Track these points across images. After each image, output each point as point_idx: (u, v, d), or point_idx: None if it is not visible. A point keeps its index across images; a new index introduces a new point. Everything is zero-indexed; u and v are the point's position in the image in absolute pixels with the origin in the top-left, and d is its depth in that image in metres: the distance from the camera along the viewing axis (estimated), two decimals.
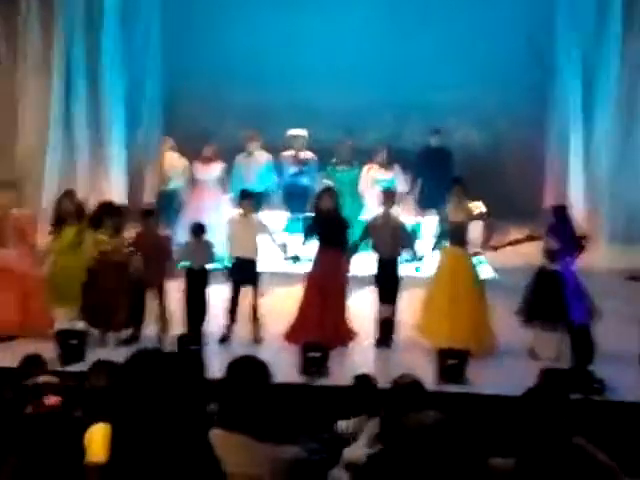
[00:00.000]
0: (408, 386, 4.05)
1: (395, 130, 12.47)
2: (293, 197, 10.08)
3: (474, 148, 12.16)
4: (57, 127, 10.60)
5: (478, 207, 11.31)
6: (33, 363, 4.92)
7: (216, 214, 9.98)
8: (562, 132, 10.94)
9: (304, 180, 10.09)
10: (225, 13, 12.02)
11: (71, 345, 6.75)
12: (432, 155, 10.35)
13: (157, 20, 11.67)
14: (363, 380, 5.32)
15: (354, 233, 8.08)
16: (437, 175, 10.08)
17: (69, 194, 7.92)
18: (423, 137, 10.76)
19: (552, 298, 6.99)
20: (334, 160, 10.28)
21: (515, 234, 9.75)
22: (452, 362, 6.49)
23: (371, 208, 9.69)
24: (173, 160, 10.41)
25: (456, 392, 6.29)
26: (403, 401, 3.87)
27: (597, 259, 9.80)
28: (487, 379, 6.63)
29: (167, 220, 10.20)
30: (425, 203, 10.27)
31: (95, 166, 10.99)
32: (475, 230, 10.66)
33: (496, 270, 9.74)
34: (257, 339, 7.52)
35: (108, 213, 7.51)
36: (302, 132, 10.20)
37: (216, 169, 10.22)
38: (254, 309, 7.61)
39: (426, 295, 7.47)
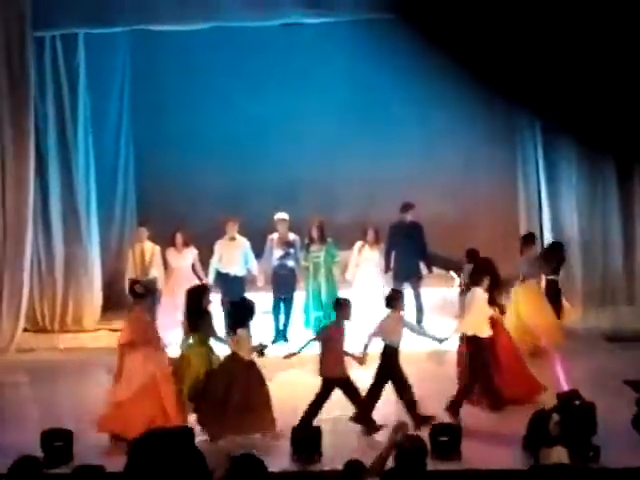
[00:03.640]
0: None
1: (365, 206, 12.64)
2: (280, 279, 10.21)
3: (444, 220, 12.30)
4: (34, 225, 10.71)
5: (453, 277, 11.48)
6: (25, 466, 4.76)
7: None
8: (531, 201, 11.23)
9: (290, 262, 10.24)
10: (196, 98, 12.25)
11: (56, 447, 6.57)
12: (405, 230, 10.42)
13: (128, 109, 11.93)
14: (354, 466, 5.22)
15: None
16: (410, 249, 10.32)
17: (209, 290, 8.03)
18: (394, 212, 10.82)
19: None
20: (306, 241, 10.36)
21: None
22: (444, 439, 6.42)
23: (358, 287, 10.06)
24: (150, 250, 10.44)
25: (451, 470, 6.21)
26: None
27: (575, 321, 9.98)
28: (482, 454, 6.55)
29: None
30: (400, 277, 10.40)
31: (72, 259, 11.02)
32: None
33: None
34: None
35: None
36: (285, 216, 10.35)
37: (188, 256, 10.32)
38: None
39: None
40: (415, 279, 10.38)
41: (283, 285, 10.18)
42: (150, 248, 10.43)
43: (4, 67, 10.31)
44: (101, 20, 10.22)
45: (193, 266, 10.37)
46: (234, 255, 10.18)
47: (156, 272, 10.38)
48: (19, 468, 4.70)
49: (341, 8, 10.02)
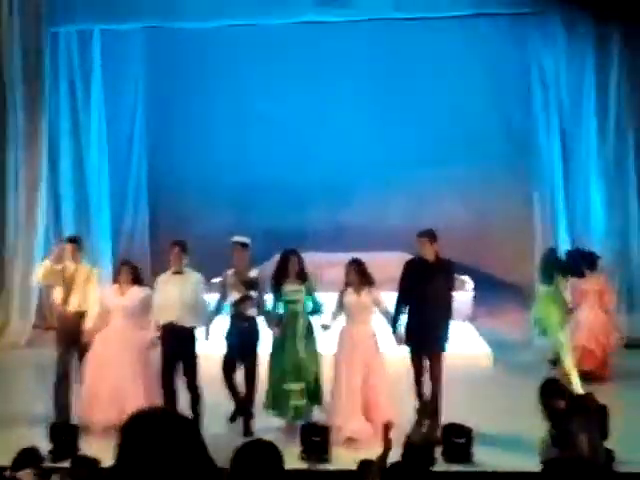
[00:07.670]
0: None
1: (379, 210, 12.58)
2: (237, 334, 6.94)
3: (459, 222, 12.18)
4: (46, 223, 10.68)
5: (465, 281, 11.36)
6: (27, 456, 4.76)
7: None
8: (546, 206, 11.10)
9: (250, 311, 6.97)
10: (209, 94, 12.31)
11: (63, 440, 6.51)
12: (427, 271, 6.77)
13: (142, 105, 11.92)
14: (367, 466, 5.15)
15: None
16: (434, 303, 6.70)
17: None
18: (407, 218, 10.57)
19: None
20: (272, 280, 7.03)
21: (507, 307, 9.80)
22: (458, 440, 6.30)
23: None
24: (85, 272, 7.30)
25: (463, 471, 6.08)
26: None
27: None
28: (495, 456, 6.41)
29: None
30: (417, 344, 6.84)
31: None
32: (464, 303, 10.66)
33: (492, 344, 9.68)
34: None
35: None
36: (245, 239, 7.07)
37: (133, 296, 6.98)
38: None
39: None
40: (437, 350, 6.82)
41: (240, 343, 6.92)
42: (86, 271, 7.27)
43: (20, 63, 10.36)
44: (116, 17, 10.28)
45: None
46: (178, 297, 6.79)
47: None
48: (21, 459, 4.71)
49: (354, 7, 10.00)
